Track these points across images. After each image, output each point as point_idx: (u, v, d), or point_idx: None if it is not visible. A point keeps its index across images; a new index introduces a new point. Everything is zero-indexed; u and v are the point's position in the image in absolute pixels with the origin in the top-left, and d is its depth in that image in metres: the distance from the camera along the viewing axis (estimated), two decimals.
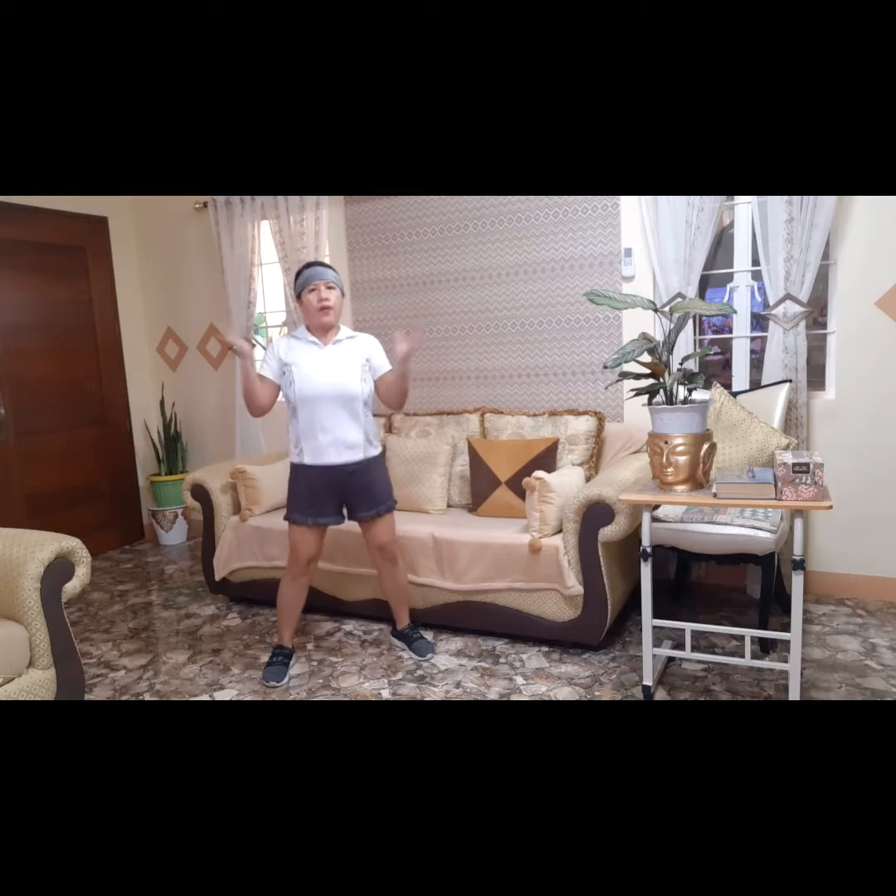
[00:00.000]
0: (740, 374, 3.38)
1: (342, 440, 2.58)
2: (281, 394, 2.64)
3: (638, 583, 2.67)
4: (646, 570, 2.36)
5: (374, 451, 2.68)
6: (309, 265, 2.62)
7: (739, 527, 2.61)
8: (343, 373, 2.57)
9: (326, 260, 4.10)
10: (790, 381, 3.05)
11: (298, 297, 2.61)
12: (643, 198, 3.26)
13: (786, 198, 2.98)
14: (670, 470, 2.22)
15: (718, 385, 3.04)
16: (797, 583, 2.15)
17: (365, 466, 2.64)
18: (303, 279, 2.59)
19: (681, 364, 2.70)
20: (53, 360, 4.31)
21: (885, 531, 3.13)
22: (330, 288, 2.57)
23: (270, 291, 4.56)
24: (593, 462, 3.30)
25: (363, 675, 2.75)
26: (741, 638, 2.84)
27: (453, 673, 2.73)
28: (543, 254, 3.57)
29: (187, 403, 4.88)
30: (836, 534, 3.22)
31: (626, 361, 2.19)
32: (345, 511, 2.73)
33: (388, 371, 2.68)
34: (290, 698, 2.60)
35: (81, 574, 2.26)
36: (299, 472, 2.64)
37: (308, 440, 2.59)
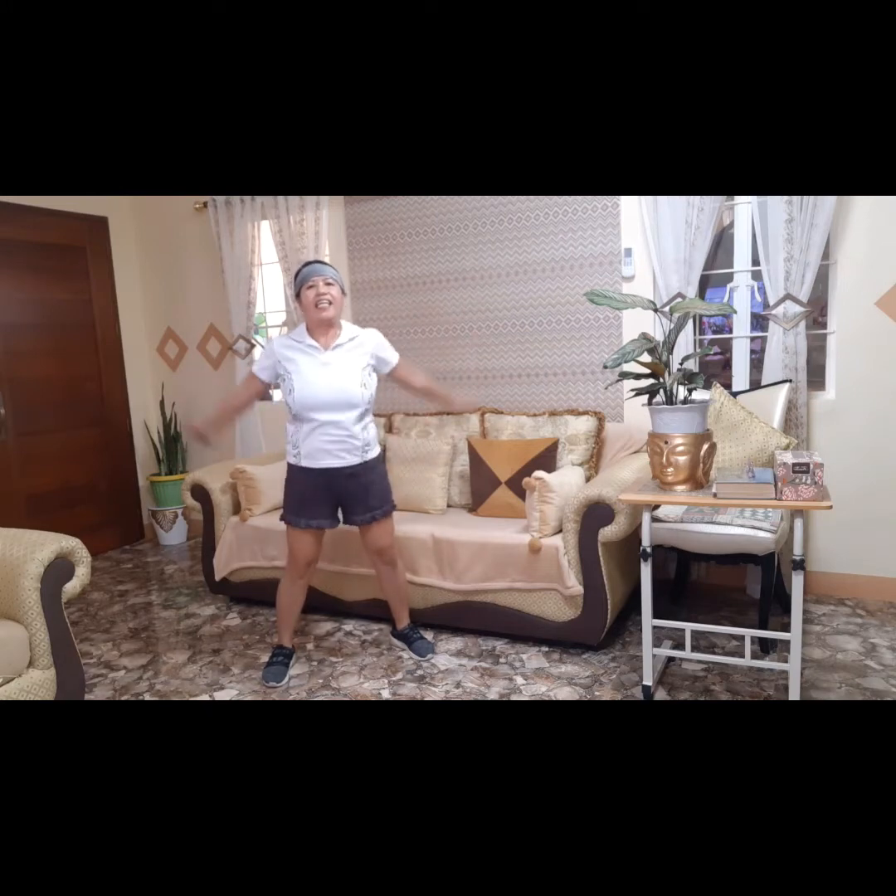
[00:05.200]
0: (740, 374, 3.38)
1: (341, 444, 2.56)
2: (281, 399, 2.66)
3: (638, 583, 2.66)
4: (646, 570, 2.36)
5: (373, 454, 2.66)
6: (307, 264, 2.59)
7: (739, 527, 2.61)
8: (343, 379, 2.53)
9: (326, 260, 4.10)
10: (790, 381, 3.05)
11: (297, 295, 2.58)
12: (643, 198, 3.26)
13: (786, 198, 2.98)
14: (670, 470, 2.22)
15: (718, 385, 3.04)
16: (797, 583, 2.15)
17: (362, 469, 2.63)
18: (301, 277, 2.56)
19: (681, 364, 2.70)
20: (53, 360, 4.31)
21: (885, 531, 3.13)
22: (329, 284, 2.53)
23: (270, 291, 4.56)
24: (593, 462, 3.30)
25: (363, 675, 2.75)
26: (741, 638, 2.84)
27: (453, 673, 2.73)
28: (543, 254, 3.57)
29: (187, 403, 4.88)
30: (836, 534, 3.22)
31: (626, 361, 2.19)
32: (340, 514, 2.72)
33: (398, 366, 2.73)
34: (290, 698, 2.60)
35: (81, 574, 2.26)
36: (295, 474, 2.63)
37: (306, 444, 2.57)
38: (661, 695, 2.49)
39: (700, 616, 3.10)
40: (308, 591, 2.83)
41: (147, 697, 2.67)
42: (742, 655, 2.43)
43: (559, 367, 3.62)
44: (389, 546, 2.76)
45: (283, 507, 2.68)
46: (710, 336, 3.56)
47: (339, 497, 2.65)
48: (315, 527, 2.64)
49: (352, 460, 2.59)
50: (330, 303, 2.52)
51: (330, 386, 2.52)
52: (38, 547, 2.16)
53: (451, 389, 2.84)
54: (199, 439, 2.71)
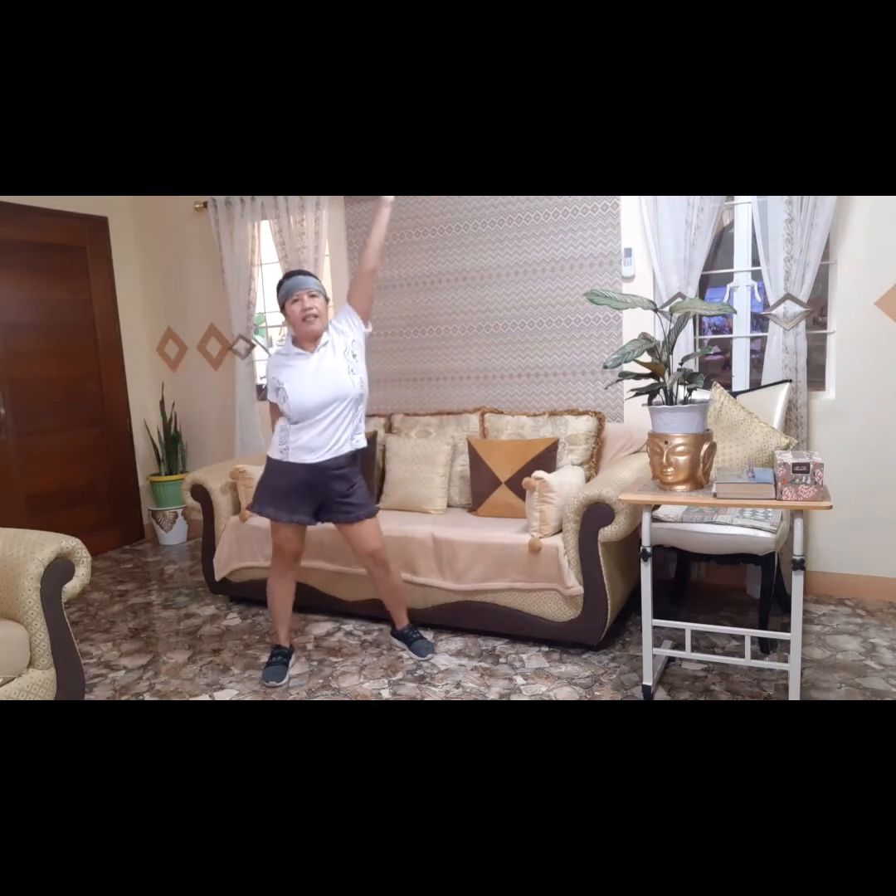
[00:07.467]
0: (740, 374, 3.38)
1: (330, 439, 2.57)
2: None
3: (638, 583, 2.66)
4: (646, 570, 2.36)
5: (360, 444, 2.67)
6: (289, 275, 2.60)
7: (739, 527, 2.61)
8: (333, 375, 2.55)
9: (326, 260, 4.11)
10: (790, 381, 3.05)
11: (282, 308, 2.60)
12: (643, 198, 3.26)
13: (786, 198, 2.97)
14: (670, 470, 2.22)
15: (718, 385, 3.04)
16: (797, 583, 2.15)
17: (346, 473, 2.63)
18: (284, 290, 2.57)
19: (681, 364, 2.70)
20: (53, 360, 4.31)
21: (885, 531, 3.13)
22: (313, 296, 2.54)
23: (270, 291, 4.56)
24: (593, 462, 3.30)
25: (363, 675, 2.75)
26: (741, 638, 2.84)
27: (453, 673, 2.73)
28: (543, 254, 3.57)
29: (187, 403, 4.88)
30: (836, 534, 3.22)
31: (626, 361, 2.19)
32: (321, 515, 2.71)
33: (351, 297, 2.69)
34: (290, 698, 2.60)
35: (81, 574, 2.26)
36: (279, 467, 2.64)
37: (296, 441, 2.59)
38: (661, 695, 2.49)
39: (700, 616, 3.10)
40: (309, 591, 2.83)
41: (147, 697, 2.67)
42: (742, 655, 2.43)
43: (559, 367, 3.62)
44: (380, 548, 2.75)
45: (260, 501, 2.67)
46: (710, 336, 3.56)
47: (322, 497, 2.65)
48: (297, 521, 2.64)
49: (339, 452, 2.60)
50: (316, 316, 2.54)
51: (321, 386, 2.54)
52: (38, 547, 2.16)
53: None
54: None
